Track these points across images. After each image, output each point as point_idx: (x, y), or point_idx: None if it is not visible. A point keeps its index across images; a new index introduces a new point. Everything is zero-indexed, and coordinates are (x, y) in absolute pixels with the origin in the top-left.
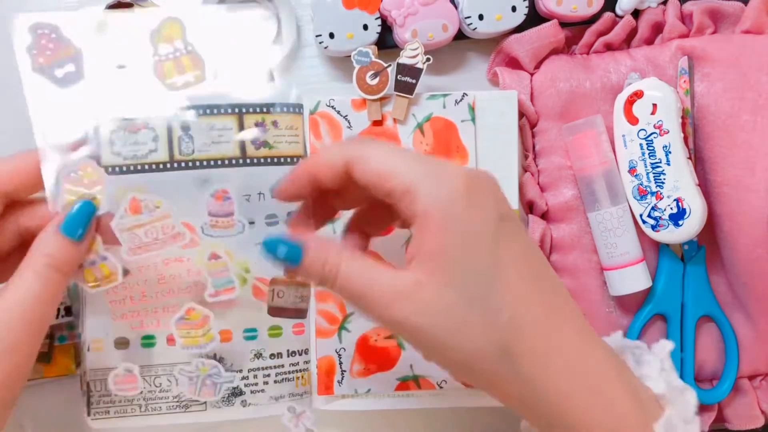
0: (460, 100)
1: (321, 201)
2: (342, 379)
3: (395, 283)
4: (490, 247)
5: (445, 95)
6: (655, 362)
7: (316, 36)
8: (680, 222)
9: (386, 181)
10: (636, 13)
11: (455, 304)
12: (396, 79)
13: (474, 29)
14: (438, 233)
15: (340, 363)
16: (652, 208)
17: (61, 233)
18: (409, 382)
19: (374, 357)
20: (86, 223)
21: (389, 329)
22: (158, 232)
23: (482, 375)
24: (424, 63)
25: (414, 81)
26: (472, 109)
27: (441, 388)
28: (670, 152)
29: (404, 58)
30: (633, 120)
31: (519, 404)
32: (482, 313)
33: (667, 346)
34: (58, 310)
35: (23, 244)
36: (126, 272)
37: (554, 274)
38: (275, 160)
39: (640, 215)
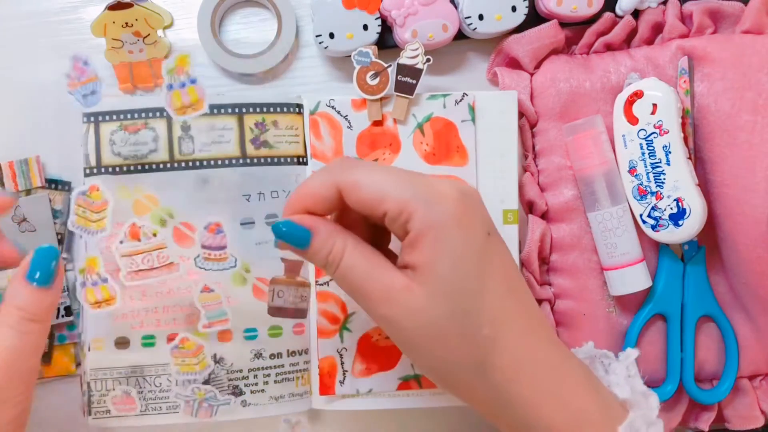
0: (461, 100)
1: None
2: (344, 379)
3: (389, 284)
4: (476, 265)
5: (445, 95)
6: (621, 369)
7: (316, 36)
8: (680, 222)
9: (379, 206)
10: (636, 13)
11: (440, 317)
12: (396, 80)
13: (474, 29)
14: (430, 251)
15: (342, 363)
16: (652, 208)
17: (28, 282)
18: (411, 381)
19: (376, 356)
20: (51, 268)
21: (378, 324)
22: (154, 260)
23: (456, 384)
24: (424, 63)
25: (414, 81)
26: (472, 109)
27: None
28: (670, 152)
29: (404, 59)
30: (633, 120)
31: (488, 411)
32: (464, 328)
33: (632, 354)
34: (58, 309)
35: None
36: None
37: (526, 285)
38: (275, 160)
39: (640, 215)
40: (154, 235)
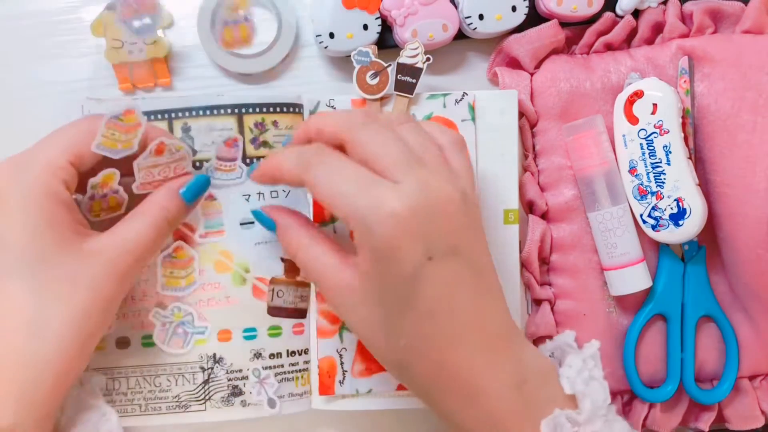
0: (461, 100)
1: None
2: (343, 379)
3: (337, 281)
4: (402, 290)
5: (445, 95)
6: (576, 363)
7: (316, 36)
8: (680, 222)
9: (330, 210)
10: (636, 13)
11: (369, 318)
12: (396, 79)
13: (474, 29)
14: (366, 264)
15: (342, 363)
16: (653, 208)
17: (179, 194)
18: None
19: None
20: (202, 193)
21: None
22: (170, 171)
23: (391, 372)
24: (424, 63)
25: (414, 81)
26: (472, 108)
27: None
28: (670, 152)
29: (404, 58)
30: (633, 120)
31: (423, 403)
32: (386, 334)
33: (594, 345)
34: None
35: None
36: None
37: (473, 299)
38: None
39: (641, 215)
40: (178, 150)
